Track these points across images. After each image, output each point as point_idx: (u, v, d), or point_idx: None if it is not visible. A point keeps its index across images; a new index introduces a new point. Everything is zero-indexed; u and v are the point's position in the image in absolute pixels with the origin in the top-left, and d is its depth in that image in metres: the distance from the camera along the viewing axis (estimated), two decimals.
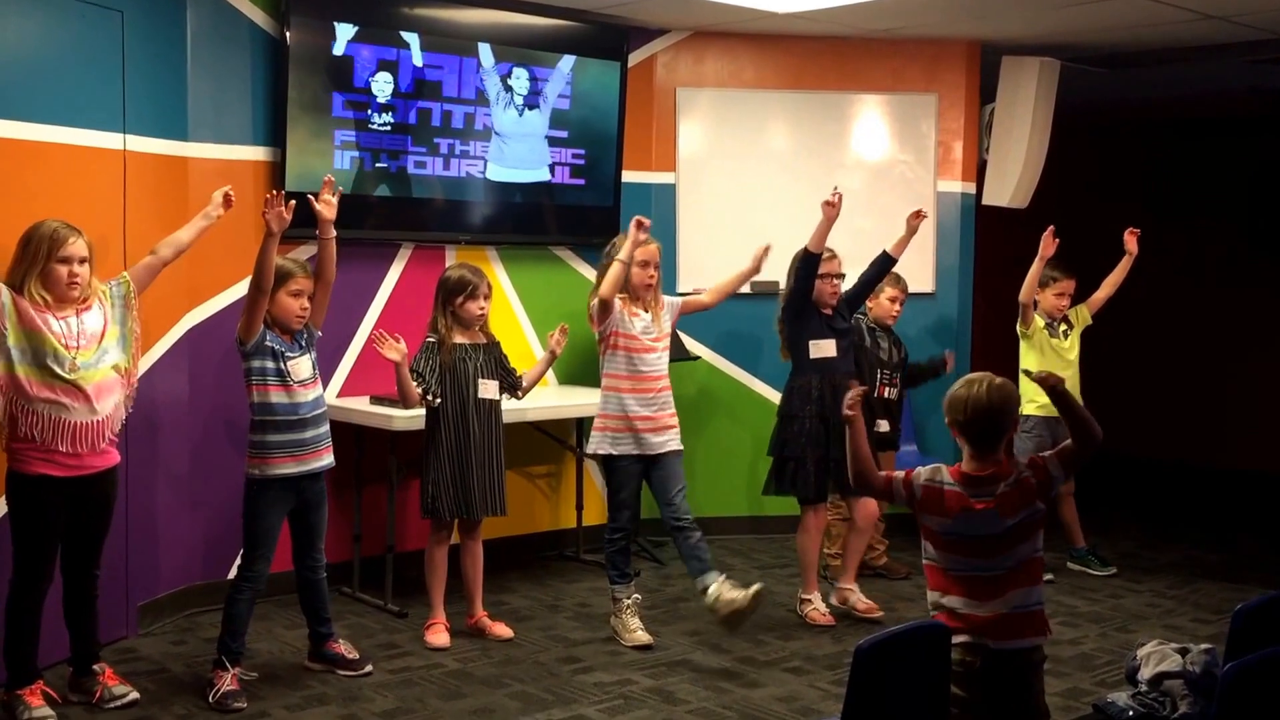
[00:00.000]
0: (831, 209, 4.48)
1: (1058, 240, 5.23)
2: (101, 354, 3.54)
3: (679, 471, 4.42)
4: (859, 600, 4.76)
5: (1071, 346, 5.43)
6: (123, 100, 4.11)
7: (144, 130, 4.24)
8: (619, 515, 4.39)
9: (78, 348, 3.48)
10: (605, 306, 4.28)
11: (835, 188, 4.51)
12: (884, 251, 4.78)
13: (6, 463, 3.51)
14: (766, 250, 4.57)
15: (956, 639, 2.75)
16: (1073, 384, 5.39)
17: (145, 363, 4.27)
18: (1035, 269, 5.25)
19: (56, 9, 3.86)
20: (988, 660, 2.78)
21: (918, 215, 4.77)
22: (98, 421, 3.52)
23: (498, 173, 5.30)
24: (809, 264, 4.57)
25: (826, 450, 4.57)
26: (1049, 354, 5.37)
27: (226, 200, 3.83)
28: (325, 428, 3.97)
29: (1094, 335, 5.54)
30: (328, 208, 3.93)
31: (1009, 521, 2.81)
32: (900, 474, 2.89)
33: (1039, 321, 5.38)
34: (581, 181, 5.56)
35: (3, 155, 3.68)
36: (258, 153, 4.72)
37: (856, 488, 2.95)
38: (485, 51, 5.17)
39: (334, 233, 3.95)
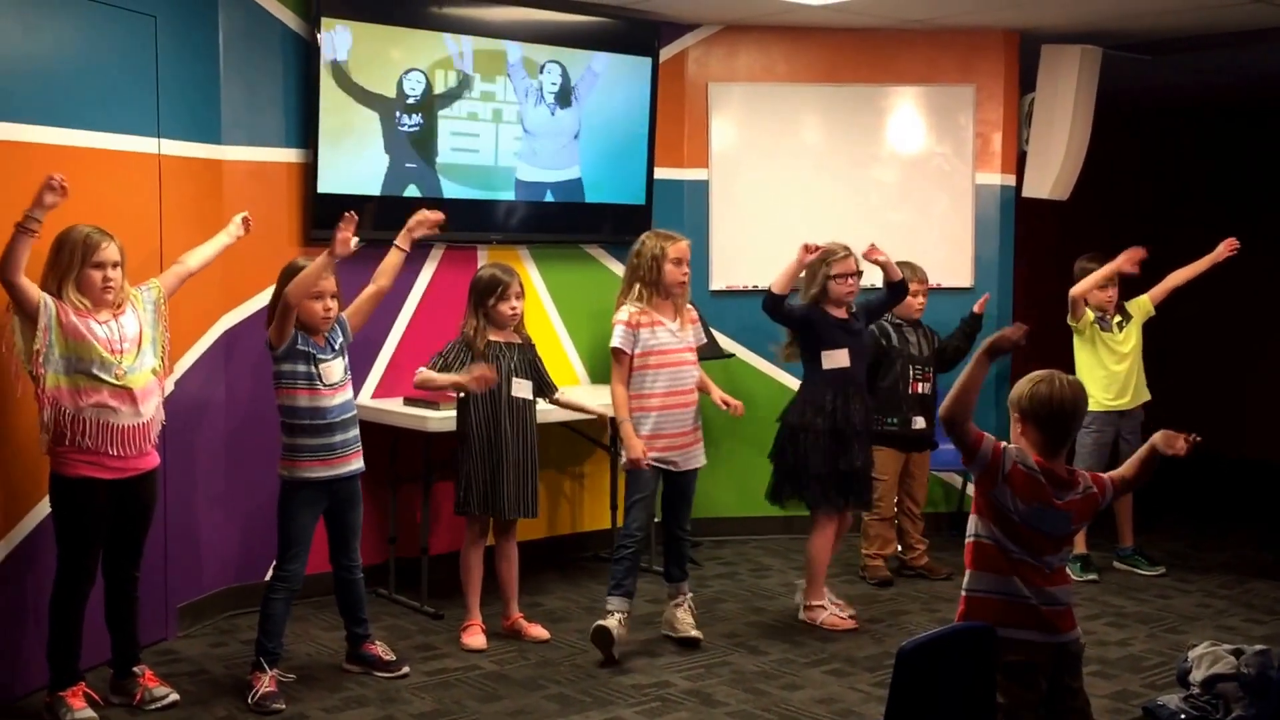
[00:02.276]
0: (806, 254, 4.32)
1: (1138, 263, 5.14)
2: (142, 357, 3.58)
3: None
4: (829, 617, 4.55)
5: (1126, 339, 5.31)
6: (157, 104, 4.13)
7: (178, 134, 4.25)
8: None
9: (122, 352, 3.51)
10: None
11: (815, 245, 4.34)
12: (886, 283, 4.63)
13: (50, 466, 3.53)
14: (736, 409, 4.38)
15: (1021, 634, 2.72)
16: (1131, 376, 5.30)
17: (182, 365, 4.30)
18: (1101, 273, 5.17)
19: (90, 15, 3.88)
20: (1055, 653, 2.75)
21: (871, 251, 4.49)
22: (143, 424, 3.57)
23: (529, 172, 5.27)
24: (772, 305, 4.39)
25: (836, 463, 4.46)
26: (1100, 349, 5.27)
27: (245, 224, 3.96)
28: (355, 432, 3.96)
29: (1148, 327, 5.40)
30: (423, 225, 4.03)
31: (1072, 527, 2.82)
32: (992, 438, 2.76)
33: (1087, 315, 5.28)
34: (613, 179, 5.52)
35: (40, 161, 3.68)
36: (290, 155, 4.72)
37: (946, 426, 2.74)
38: (516, 50, 5.15)
39: (409, 248, 4.04)
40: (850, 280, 4.49)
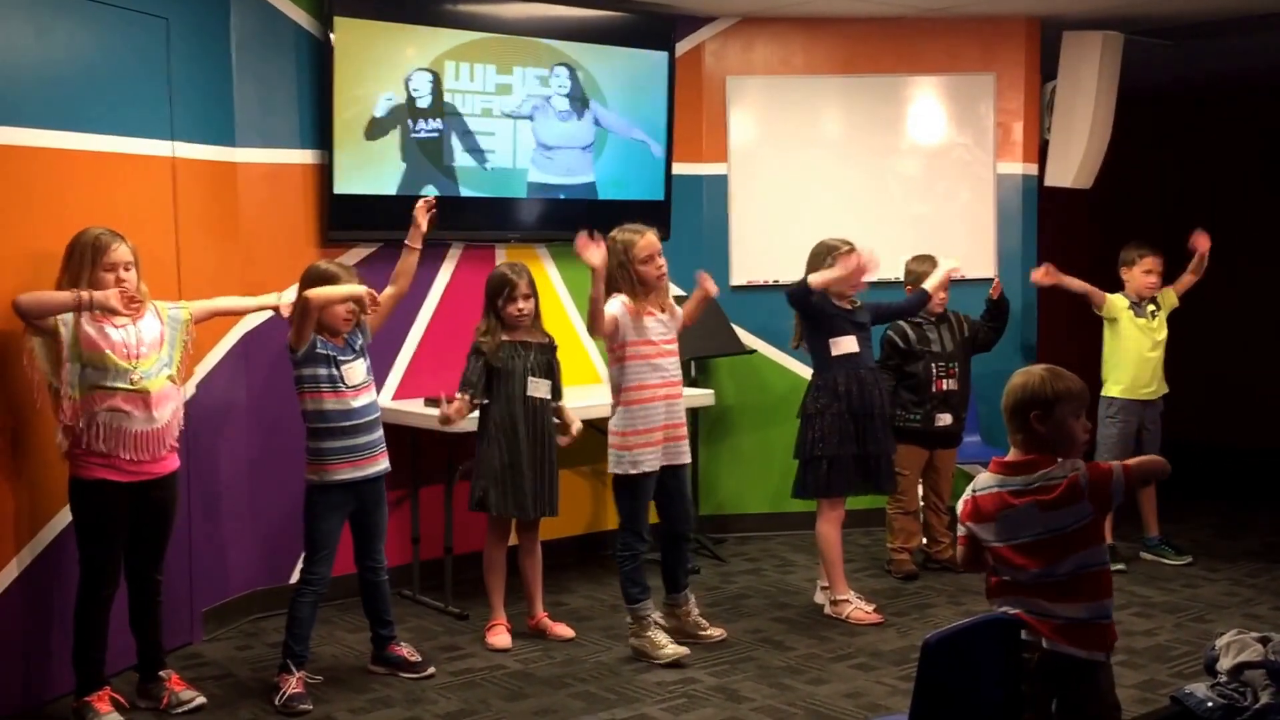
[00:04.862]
0: (862, 271, 4.37)
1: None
2: (161, 364, 3.60)
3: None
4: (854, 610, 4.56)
5: (1160, 327, 5.26)
6: (170, 107, 4.13)
7: (192, 137, 4.25)
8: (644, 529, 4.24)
9: (138, 356, 3.53)
10: (607, 334, 4.12)
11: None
12: (923, 290, 4.82)
13: (68, 470, 3.55)
14: (707, 284, 4.34)
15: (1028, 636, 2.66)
16: (1157, 367, 5.24)
17: (203, 368, 4.32)
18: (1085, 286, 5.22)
19: (102, 18, 3.88)
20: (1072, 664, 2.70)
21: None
22: (156, 429, 3.57)
23: (542, 175, 5.22)
24: (799, 298, 4.45)
25: (858, 447, 4.47)
26: (1136, 335, 5.20)
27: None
28: (380, 433, 3.96)
29: (1168, 318, 5.35)
30: (424, 215, 4.02)
31: (1044, 525, 2.65)
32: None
33: (1120, 302, 5.22)
34: (631, 175, 5.50)
35: (54, 165, 3.71)
36: (305, 156, 4.72)
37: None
38: (531, 46, 5.13)
39: (421, 245, 4.04)
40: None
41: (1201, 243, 5.28)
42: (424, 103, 4.87)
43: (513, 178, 5.18)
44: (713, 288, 4.35)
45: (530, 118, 5.17)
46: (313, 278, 3.84)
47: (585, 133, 5.33)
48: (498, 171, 5.13)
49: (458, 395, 4.17)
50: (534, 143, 5.19)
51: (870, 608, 4.55)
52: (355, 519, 3.97)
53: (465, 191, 5.05)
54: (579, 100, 5.29)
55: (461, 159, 5.02)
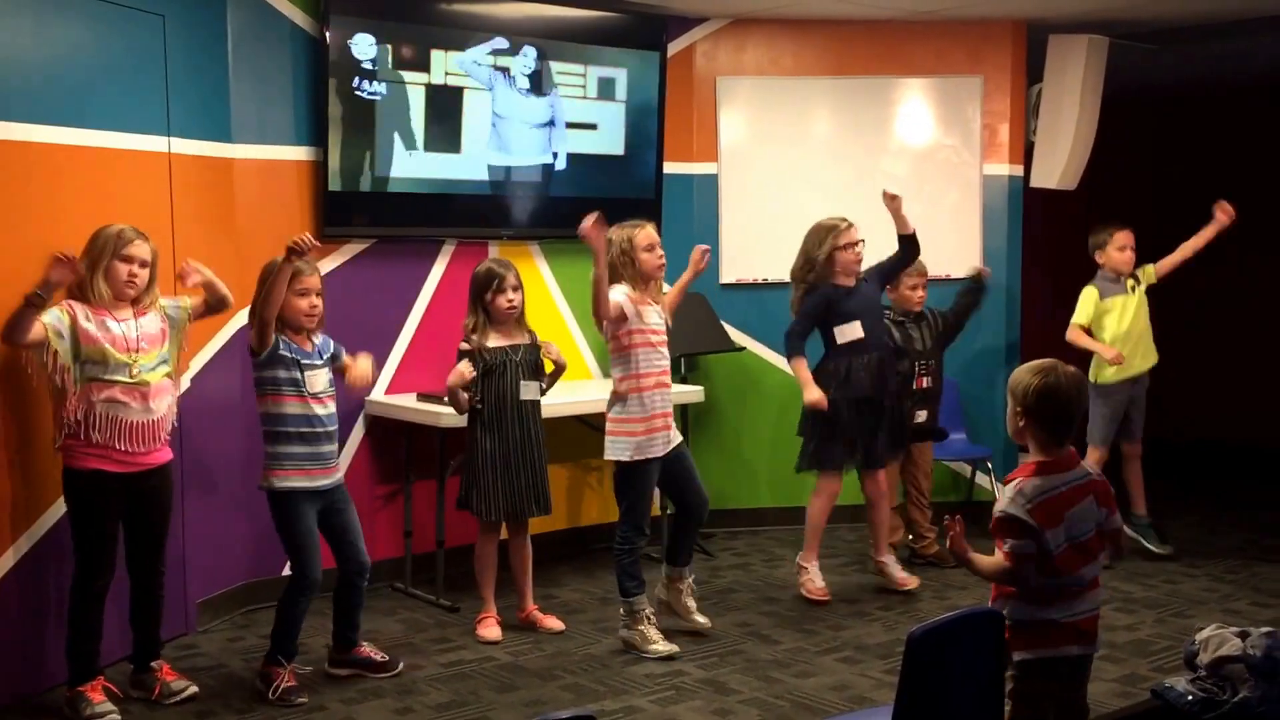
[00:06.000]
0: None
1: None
2: (160, 360, 3.64)
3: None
4: (896, 572, 4.88)
5: (1140, 300, 5.28)
6: (166, 103, 4.16)
7: (188, 133, 4.27)
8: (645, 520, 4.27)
9: (139, 350, 3.56)
10: (613, 317, 4.11)
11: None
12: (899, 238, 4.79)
13: (62, 461, 3.58)
14: (704, 254, 4.38)
15: (1078, 650, 2.75)
16: (1141, 340, 5.24)
17: (198, 362, 4.34)
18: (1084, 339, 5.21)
19: (99, 15, 3.90)
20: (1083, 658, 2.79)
21: (892, 200, 4.72)
22: (153, 421, 3.61)
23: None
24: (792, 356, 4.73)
25: (856, 431, 4.63)
26: (1114, 319, 5.21)
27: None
28: (335, 446, 3.87)
29: (1154, 316, 5.40)
30: (362, 377, 3.94)
31: (1102, 510, 2.77)
32: (1004, 554, 2.67)
33: (1091, 295, 5.25)
34: (622, 174, 5.54)
35: (50, 161, 3.73)
36: (300, 153, 4.75)
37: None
38: (523, 47, 5.16)
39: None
40: (857, 249, 4.66)
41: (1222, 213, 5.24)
42: (417, 101, 4.87)
43: (508, 173, 5.19)
44: (702, 260, 4.38)
45: (528, 110, 5.19)
46: (263, 275, 3.74)
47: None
48: (492, 168, 5.14)
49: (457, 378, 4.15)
50: (530, 130, 5.20)
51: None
52: (325, 523, 3.87)
53: (458, 189, 5.06)
54: (578, 89, 5.30)
55: (454, 155, 5.02)
